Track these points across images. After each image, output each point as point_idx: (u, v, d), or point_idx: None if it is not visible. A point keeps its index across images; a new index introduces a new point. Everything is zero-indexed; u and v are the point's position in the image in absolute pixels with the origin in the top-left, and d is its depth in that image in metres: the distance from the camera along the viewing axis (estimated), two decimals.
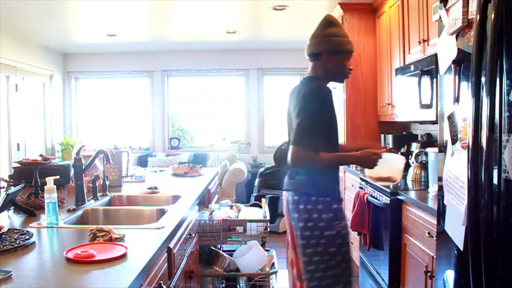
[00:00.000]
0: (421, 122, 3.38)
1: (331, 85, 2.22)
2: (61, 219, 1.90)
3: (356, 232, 3.17)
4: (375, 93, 4.25)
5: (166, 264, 1.72)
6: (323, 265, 1.99)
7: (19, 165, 2.46)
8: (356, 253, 3.46)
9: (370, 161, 2.02)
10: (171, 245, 1.82)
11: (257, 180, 5.80)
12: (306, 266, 2.02)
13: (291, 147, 1.97)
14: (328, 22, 2.13)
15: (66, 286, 1.19)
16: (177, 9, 4.46)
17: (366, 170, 2.13)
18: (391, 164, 2.08)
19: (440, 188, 1.61)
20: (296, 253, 2.09)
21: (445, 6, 1.54)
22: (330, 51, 2.08)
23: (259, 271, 2.80)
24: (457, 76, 1.44)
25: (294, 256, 2.13)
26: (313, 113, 1.96)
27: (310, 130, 1.94)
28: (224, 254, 2.88)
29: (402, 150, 3.54)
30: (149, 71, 6.89)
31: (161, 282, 1.58)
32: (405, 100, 3.28)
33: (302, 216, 2.02)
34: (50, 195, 1.81)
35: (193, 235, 2.41)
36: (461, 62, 1.42)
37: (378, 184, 2.60)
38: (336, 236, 1.99)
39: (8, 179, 2.34)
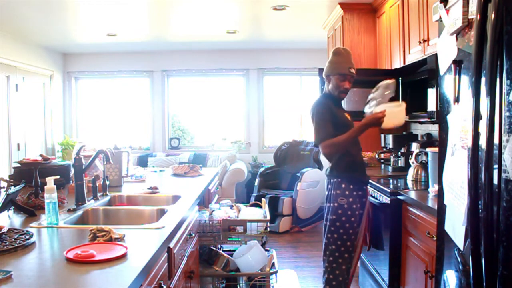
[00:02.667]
0: (421, 122, 3.37)
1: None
2: (61, 219, 1.90)
3: None
4: None
5: (166, 264, 1.72)
6: (332, 228, 2.56)
7: (19, 165, 2.46)
8: None
9: (377, 121, 2.39)
10: (171, 245, 1.82)
11: (257, 180, 5.80)
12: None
13: (318, 147, 2.54)
14: (334, 53, 2.65)
15: (66, 286, 1.19)
16: (177, 9, 4.46)
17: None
18: (395, 113, 2.40)
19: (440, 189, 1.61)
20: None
21: (445, 6, 1.54)
22: (327, 75, 2.62)
23: (259, 271, 2.80)
24: (457, 76, 1.44)
25: None
26: (319, 118, 2.51)
27: (320, 128, 2.49)
28: (224, 254, 2.88)
29: (402, 150, 3.54)
30: (149, 71, 6.90)
31: (161, 282, 1.58)
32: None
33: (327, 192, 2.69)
34: (50, 195, 1.81)
35: (193, 235, 2.41)
36: (461, 62, 1.42)
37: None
38: (337, 207, 2.53)
39: (8, 179, 2.34)
